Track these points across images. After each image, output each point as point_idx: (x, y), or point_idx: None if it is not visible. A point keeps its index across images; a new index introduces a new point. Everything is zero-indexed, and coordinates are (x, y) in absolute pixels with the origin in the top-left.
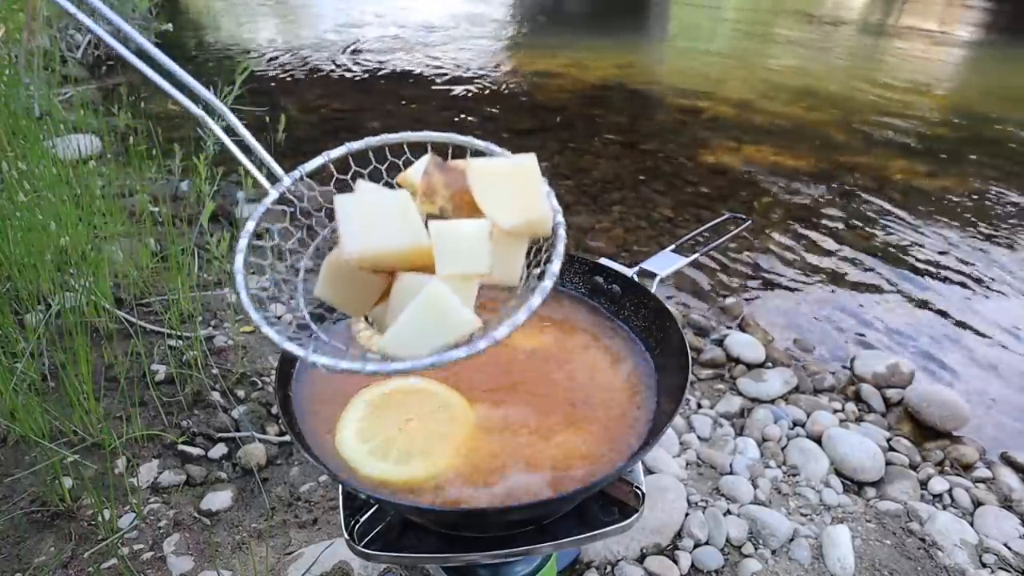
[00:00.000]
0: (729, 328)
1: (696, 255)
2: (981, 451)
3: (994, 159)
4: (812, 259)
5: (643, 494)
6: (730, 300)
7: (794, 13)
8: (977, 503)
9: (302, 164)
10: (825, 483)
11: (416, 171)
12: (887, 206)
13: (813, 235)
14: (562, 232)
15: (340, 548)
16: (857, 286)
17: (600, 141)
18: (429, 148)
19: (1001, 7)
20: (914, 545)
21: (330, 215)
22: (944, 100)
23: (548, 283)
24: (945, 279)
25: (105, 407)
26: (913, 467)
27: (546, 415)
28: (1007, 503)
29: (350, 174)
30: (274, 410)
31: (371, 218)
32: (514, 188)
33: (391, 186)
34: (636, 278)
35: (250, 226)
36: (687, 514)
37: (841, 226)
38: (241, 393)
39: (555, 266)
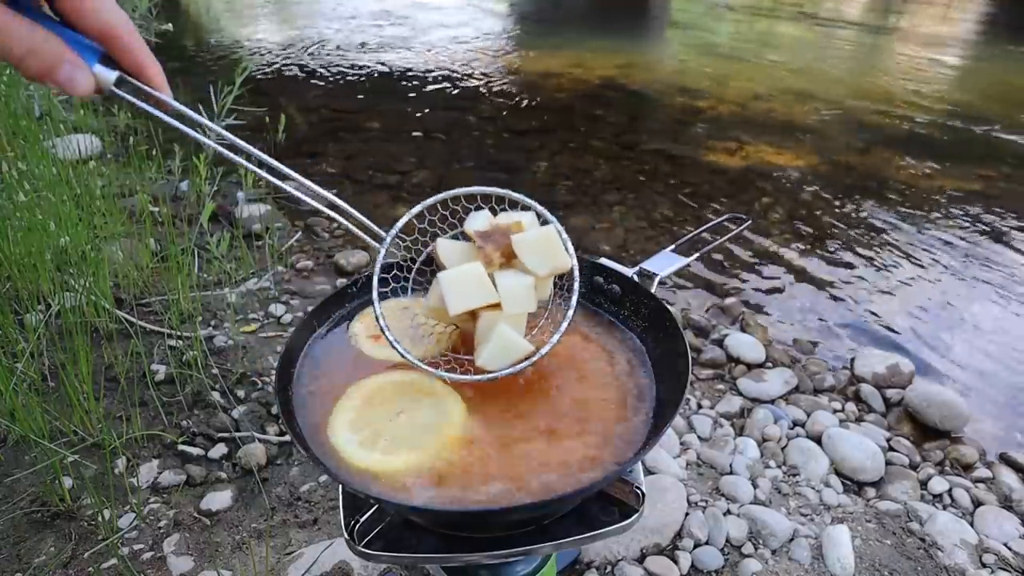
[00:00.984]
0: (729, 328)
1: (696, 255)
2: (981, 451)
3: (994, 159)
4: (812, 259)
5: (643, 494)
6: (730, 300)
7: (794, 13)
8: (977, 503)
9: (394, 223)
10: (825, 483)
11: (474, 221)
12: (887, 206)
13: (813, 235)
14: (576, 273)
15: (340, 548)
16: (857, 286)
17: (600, 141)
18: (479, 199)
19: (1001, 7)
20: (914, 545)
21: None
22: (944, 100)
23: (571, 313)
24: (945, 279)
25: (105, 407)
26: (913, 467)
27: (545, 414)
28: (1007, 503)
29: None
30: (274, 410)
31: (461, 287)
32: (544, 249)
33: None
34: (636, 278)
35: (375, 279)
36: (687, 514)
37: (841, 226)
38: (241, 393)
39: (573, 300)
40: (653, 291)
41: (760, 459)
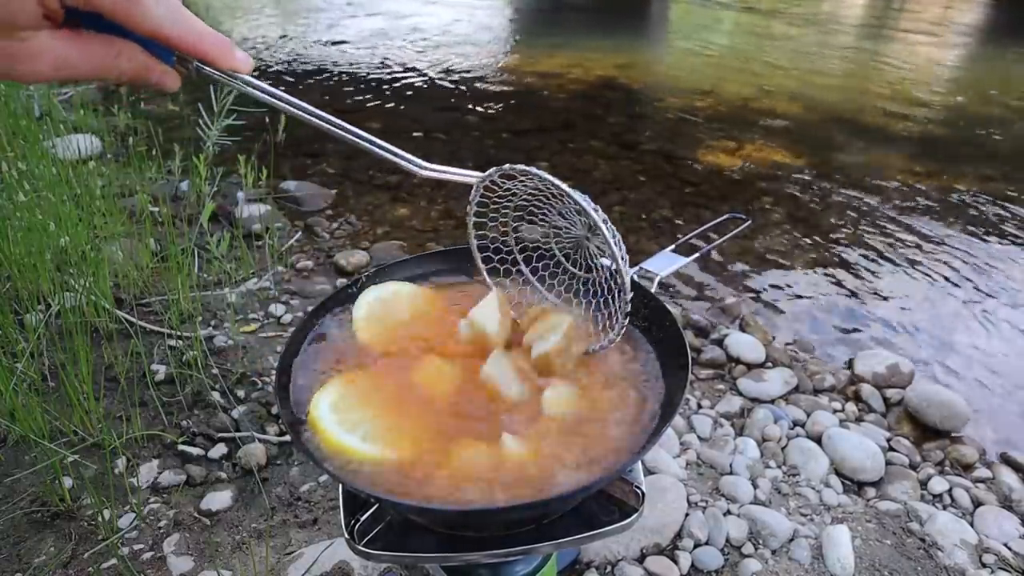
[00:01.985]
0: (729, 328)
1: (696, 255)
2: (981, 451)
3: (994, 159)
4: (812, 259)
5: (643, 494)
6: (730, 300)
7: (794, 13)
8: (977, 503)
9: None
10: (825, 483)
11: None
12: (887, 206)
13: (813, 235)
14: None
15: (340, 548)
16: (857, 286)
17: (600, 141)
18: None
19: (1001, 7)
20: (914, 545)
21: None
22: (944, 100)
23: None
24: (945, 279)
25: (105, 407)
26: (913, 467)
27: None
28: (1007, 503)
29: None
30: (274, 410)
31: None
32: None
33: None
34: (636, 278)
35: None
36: (687, 514)
37: (841, 226)
38: (241, 393)
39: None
40: (653, 291)
41: (760, 459)
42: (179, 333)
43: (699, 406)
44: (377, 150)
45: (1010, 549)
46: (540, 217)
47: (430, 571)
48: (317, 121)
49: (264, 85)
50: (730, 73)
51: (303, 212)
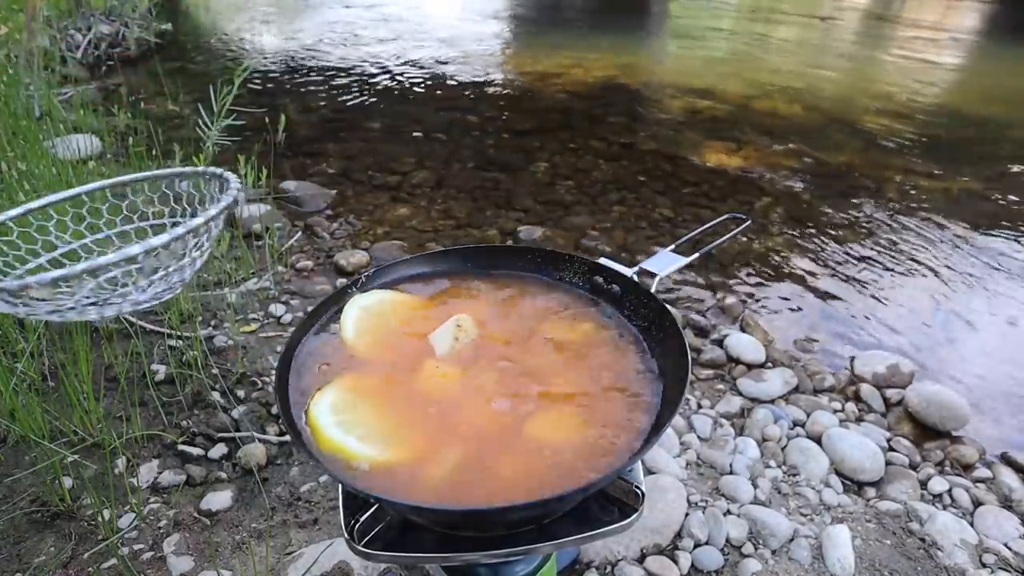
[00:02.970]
0: (729, 328)
1: (696, 255)
2: (981, 451)
3: (993, 160)
4: (812, 259)
5: (643, 494)
6: (730, 300)
7: (794, 13)
8: (977, 503)
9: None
10: (825, 483)
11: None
12: (887, 206)
13: (813, 235)
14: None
15: (340, 548)
16: (857, 286)
17: (600, 141)
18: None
19: (1001, 7)
20: (914, 545)
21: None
22: (944, 100)
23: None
24: (945, 279)
25: (105, 407)
26: (913, 467)
27: (544, 414)
28: (1007, 503)
29: None
30: (274, 410)
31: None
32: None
33: None
34: (636, 278)
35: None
36: (687, 514)
37: (841, 226)
38: (241, 393)
39: None
40: (653, 291)
41: (760, 459)
42: (179, 333)
43: (699, 406)
44: None
45: (1010, 549)
46: None
47: (430, 571)
48: None
49: None
50: (730, 73)
51: (303, 212)
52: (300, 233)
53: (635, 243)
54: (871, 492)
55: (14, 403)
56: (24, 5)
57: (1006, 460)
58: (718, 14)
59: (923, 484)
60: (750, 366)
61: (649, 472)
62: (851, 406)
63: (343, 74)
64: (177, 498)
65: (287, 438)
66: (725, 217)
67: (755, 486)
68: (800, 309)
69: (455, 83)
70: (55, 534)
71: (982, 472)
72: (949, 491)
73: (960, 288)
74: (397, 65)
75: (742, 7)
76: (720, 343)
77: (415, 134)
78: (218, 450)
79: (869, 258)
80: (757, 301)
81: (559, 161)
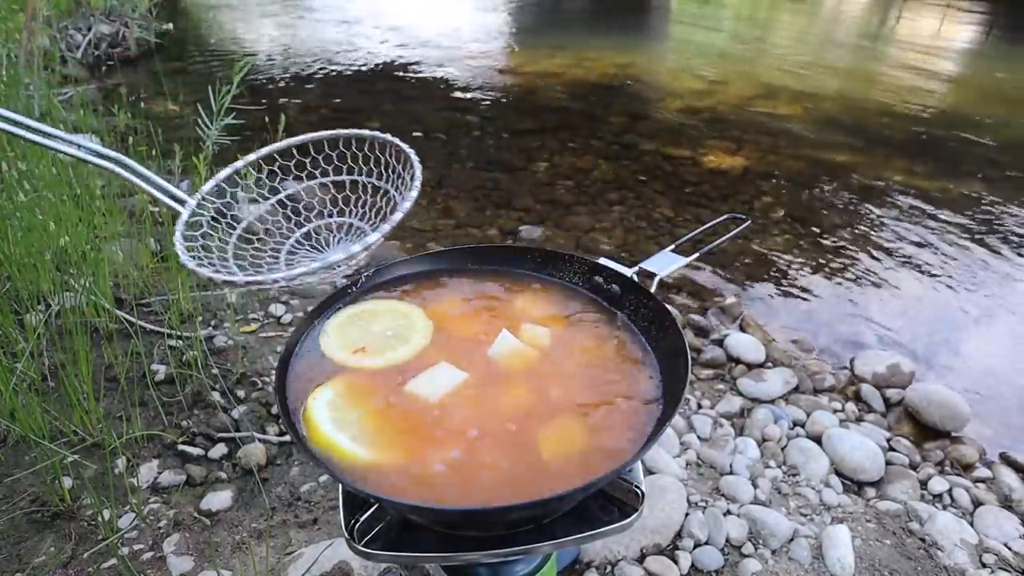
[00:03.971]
0: (729, 328)
1: (696, 255)
2: (981, 451)
3: (993, 160)
4: (812, 259)
5: (643, 493)
6: (730, 300)
7: (794, 13)
8: (977, 503)
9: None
10: (825, 483)
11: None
12: (886, 206)
13: (813, 235)
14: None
15: (340, 548)
16: (857, 286)
17: (600, 141)
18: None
19: (1000, 8)
20: (914, 545)
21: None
22: (944, 100)
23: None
24: (945, 279)
25: (105, 407)
26: (913, 467)
27: (543, 415)
28: (1007, 503)
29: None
30: (274, 410)
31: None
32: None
33: None
34: (636, 278)
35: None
36: (687, 514)
37: (841, 226)
38: (241, 393)
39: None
40: (653, 291)
41: (760, 459)
42: (179, 333)
43: (699, 406)
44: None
45: (1010, 549)
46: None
47: (430, 571)
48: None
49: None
50: (730, 73)
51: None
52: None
53: (635, 243)
54: (871, 492)
55: (14, 403)
56: (24, 5)
57: (1006, 460)
58: (719, 14)
59: (923, 484)
60: (750, 366)
61: (649, 472)
62: (851, 406)
63: (343, 74)
64: (177, 498)
65: (287, 438)
66: (725, 217)
67: (755, 486)
68: (800, 309)
69: (455, 83)
70: (55, 534)
71: (982, 472)
72: (949, 491)
73: (960, 288)
74: (397, 65)
75: (743, 7)
76: (720, 343)
77: (415, 134)
78: (218, 450)
79: (869, 258)
80: (757, 301)
81: (559, 161)
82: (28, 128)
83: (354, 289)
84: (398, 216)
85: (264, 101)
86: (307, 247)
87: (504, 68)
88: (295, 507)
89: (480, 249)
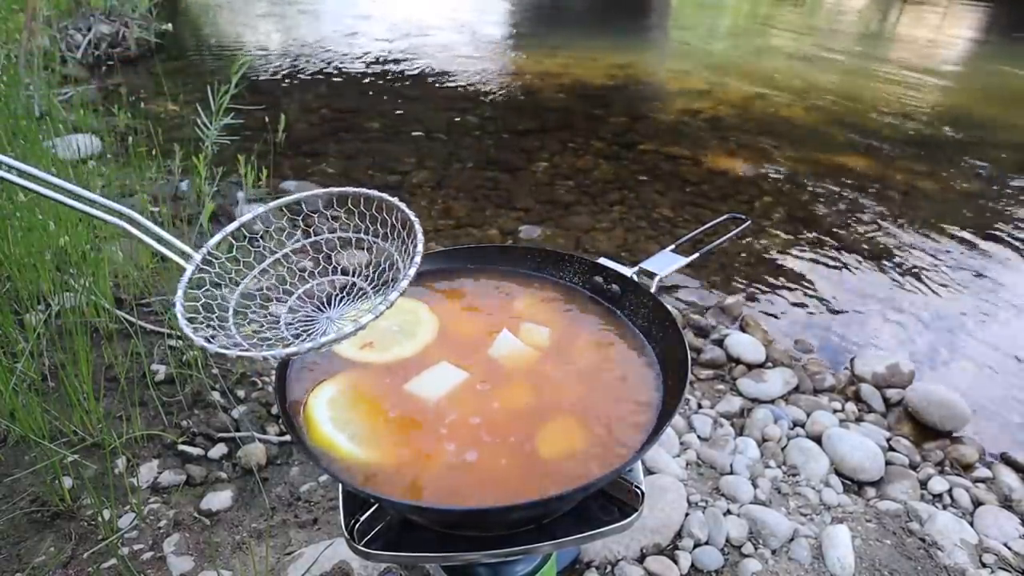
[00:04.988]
0: (729, 328)
1: (696, 255)
2: (981, 451)
3: (993, 160)
4: (812, 259)
5: (643, 493)
6: (730, 300)
7: (794, 13)
8: (977, 503)
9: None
10: (825, 483)
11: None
12: (887, 206)
13: (813, 235)
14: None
15: (340, 548)
16: (857, 286)
17: (600, 141)
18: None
19: (1000, 8)
20: (914, 545)
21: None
22: (944, 101)
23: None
24: (945, 279)
25: (105, 407)
26: (913, 467)
27: (544, 415)
28: (1007, 503)
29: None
30: (274, 410)
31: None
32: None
33: None
34: (636, 278)
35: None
36: (687, 514)
37: (841, 226)
38: (241, 393)
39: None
40: (653, 291)
41: (760, 459)
42: (179, 333)
43: (699, 406)
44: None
45: (1010, 549)
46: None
47: (430, 571)
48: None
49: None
50: (730, 73)
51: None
52: (300, 233)
53: (635, 243)
54: (871, 492)
55: (14, 403)
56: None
57: (1006, 460)
58: (719, 14)
59: (923, 484)
60: (750, 366)
61: (649, 472)
62: (851, 406)
63: (343, 74)
64: (177, 498)
65: (287, 438)
66: (725, 217)
67: (755, 486)
68: (800, 309)
69: (455, 83)
70: (55, 534)
71: (982, 472)
72: (949, 491)
73: (960, 288)
74: (397, 65)
75: (743, 7)
76: (720, 343)
77: (415, 134)
78: (218, 450)
79: (869, 258)
80: (757, 301)
81: (559, 161)
82: (39, 181)
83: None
84: (395, 296)
85: (264, 101)
86: (312, 304)
87: (504, 68)
88: (295, 507)
89: (480, 249)
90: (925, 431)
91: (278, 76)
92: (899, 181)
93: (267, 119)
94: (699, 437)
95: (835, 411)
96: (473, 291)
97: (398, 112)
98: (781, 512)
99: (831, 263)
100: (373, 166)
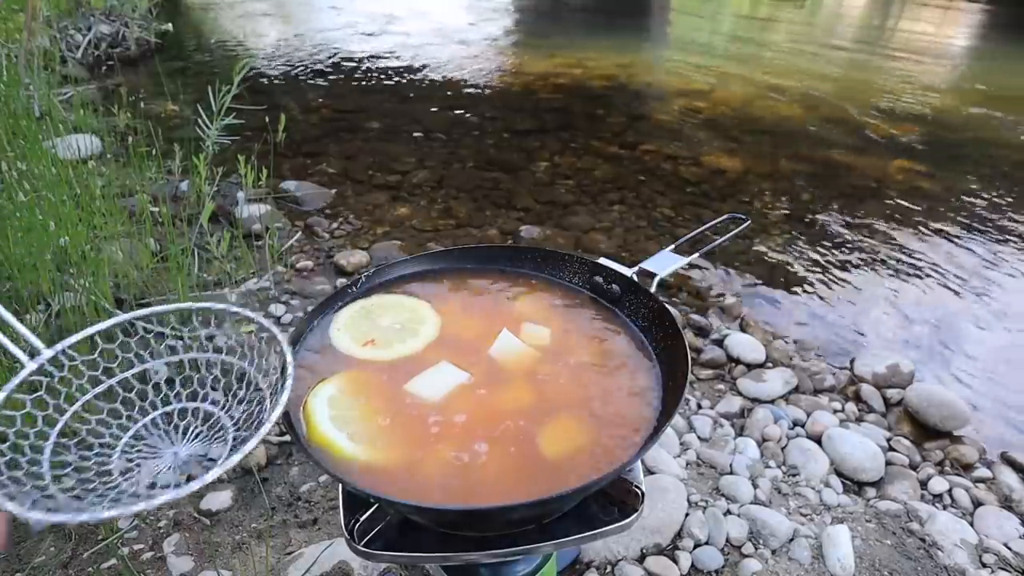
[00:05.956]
0: (729, 328)
1: (696, 255)
2: (981, 451)
3: (993, 160)
4: (812, 259)
5: (643, 493)
6: (730, 300)
7: (794, 13)
8: (977, 503)
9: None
10: (825, 483)
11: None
12: (886, 206)
13: (813, 235)
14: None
15: (340, 548)
16: (857, 286)
17: (600, 141)
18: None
19: (999, 9)
20: (914, 545)
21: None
22: (943, 101)
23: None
24: (945, 279)
25: None
26: (913, 467)
27: (544, 415)
28: (1007, 503)
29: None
30: None
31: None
32: None
33: None
34: (636, 278)
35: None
36: (687, 514)
37: (840, 226)
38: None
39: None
40: (653, 291)
41: (760, 459)
42: (179, 333)
43: (699, 406)
44: None
45: (1010, 549)
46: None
47: (430, 571)
48: None
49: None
50: (730, 73)
51: (303, 212)
52: (300, 233)
53: (635, 243)
54: (871, 492)
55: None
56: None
57: (1006, 460)
58: (718, 14)
59: (923, 484)
60: (750, 366)
61: (649, 472)
62: (851, 406)
63: (343, 74)
64: None
65: (287, 438)
66: (725, 217)
67: (755, 486)
68: (800, 309)
69: (455, 83)
70: (55, 534)
71: (982, 472)
72: (949, 491)
73: (960, 288)
74: (397, 65)
75: (742, 7)
76: (720, 343)
77: (415, 134)
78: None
79: (869, 258)
80: (757, 301)
81: (559, 161)
82: None
83: (354, 289)
84: (252, 443)
85: (264, 101)
86: (159, 431)
87: (504, 68)
88: (295, 507)
89: (480, 249)
90: (925, 431)
91: (278, 76)
92: (899, 180)
93: (267, 119)
94: (699, 437)
95: (835, 411)
96: (473, 291)
97: (398, 112)
98: (781, 512)
99: (831, 263)
100: (373, 166)
